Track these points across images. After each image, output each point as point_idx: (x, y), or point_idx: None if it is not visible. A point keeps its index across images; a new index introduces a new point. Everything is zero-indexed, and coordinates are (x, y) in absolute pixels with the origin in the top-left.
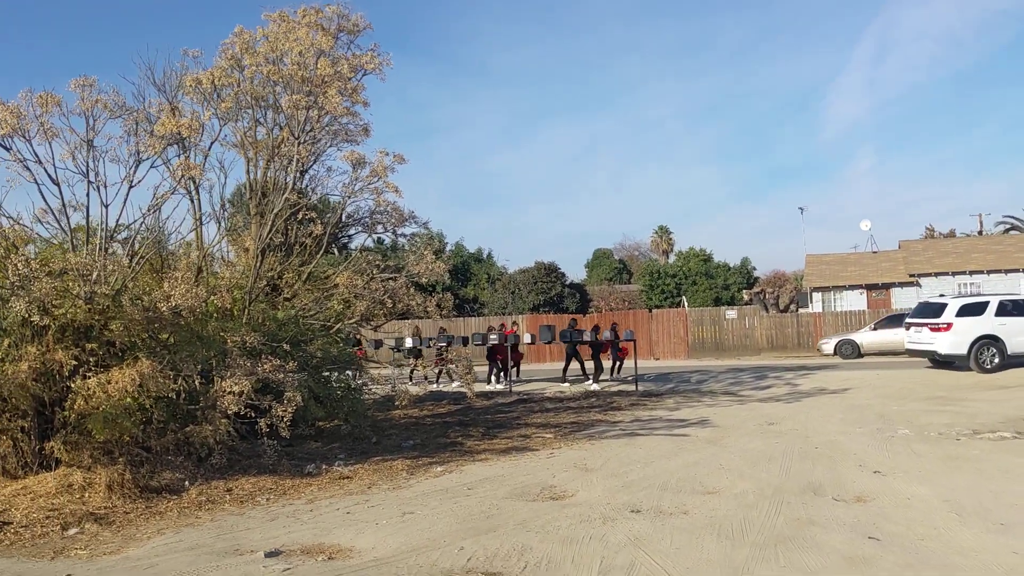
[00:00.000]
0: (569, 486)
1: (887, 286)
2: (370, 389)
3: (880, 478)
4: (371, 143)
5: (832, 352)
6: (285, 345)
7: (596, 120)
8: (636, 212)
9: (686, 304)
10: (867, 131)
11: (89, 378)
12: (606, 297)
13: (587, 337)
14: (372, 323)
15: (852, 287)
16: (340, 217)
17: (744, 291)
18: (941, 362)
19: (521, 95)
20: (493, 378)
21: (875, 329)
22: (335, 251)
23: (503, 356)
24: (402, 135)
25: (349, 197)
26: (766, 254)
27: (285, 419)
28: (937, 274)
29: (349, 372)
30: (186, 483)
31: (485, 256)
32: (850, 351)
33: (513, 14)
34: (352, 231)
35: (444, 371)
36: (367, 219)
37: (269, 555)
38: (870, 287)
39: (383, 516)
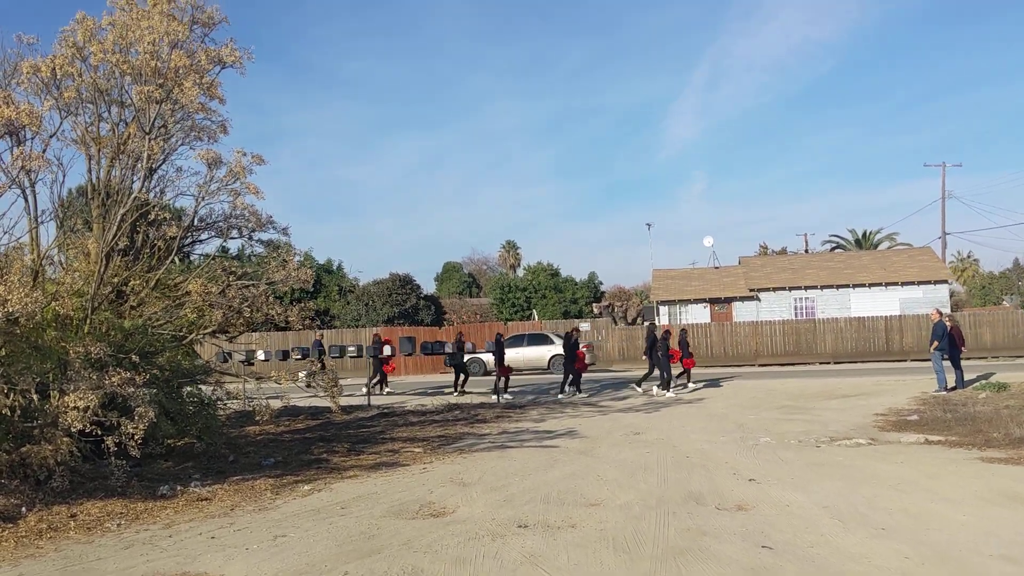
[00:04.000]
0: (448, 502)
1: (729, 300)
2: (224, 404)
3: (756, 486)
4: (226, 142)
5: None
6: (134, 356)
7: (443, 134)
8: (484, 226)
9: (536, 317)
10: (701, 153)
11: None
12: (458, 310)
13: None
14: (229, 334)
15: (697, 301)
16: (193, 220)
17: (593, 304)
18: None
19: (370, 105)
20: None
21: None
22: (176, 260)
23: (580, 364)
24: (244, 141)
25: (203, 198)
26: (610, 268)
27: (136, 437)
28: (775, 289)
29: (202, 387)
30: (23, 509)
31: (336, 267)
32: (477, 369)
33: (363, 27)
34: (204, 236)
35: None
36: (221, 223)
37: None
38: (713, 301)
39: (253, 540)
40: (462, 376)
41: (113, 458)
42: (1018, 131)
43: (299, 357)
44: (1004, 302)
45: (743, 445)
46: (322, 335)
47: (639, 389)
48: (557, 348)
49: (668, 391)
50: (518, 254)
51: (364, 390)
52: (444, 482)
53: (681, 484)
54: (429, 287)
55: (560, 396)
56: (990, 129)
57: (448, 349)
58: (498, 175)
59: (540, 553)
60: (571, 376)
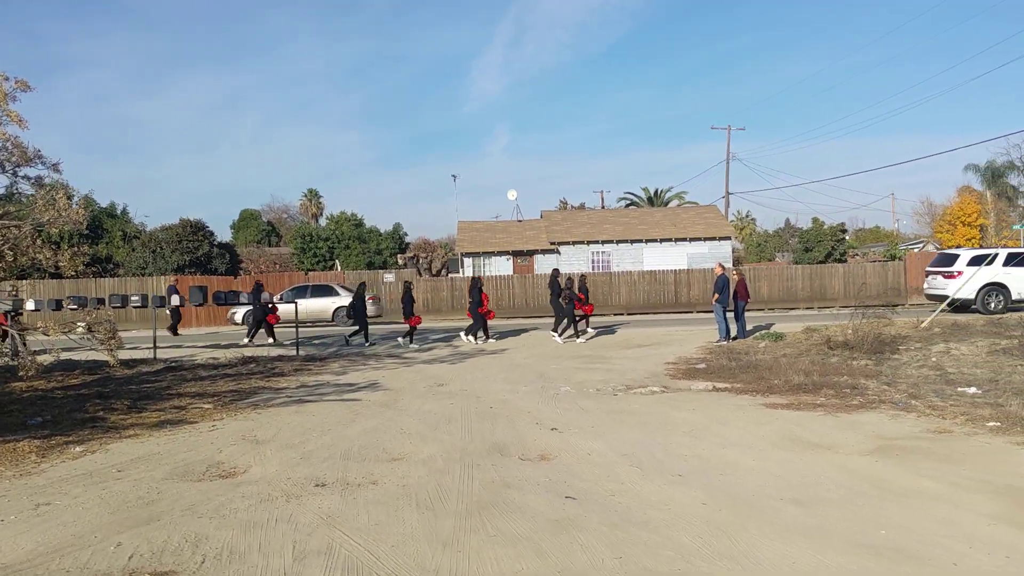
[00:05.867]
0: (240, 461)
1: (531, 253)
2: None
3: (558, 435)
4: None
5: (240, 322)
6: None
7: (240, 73)
8: (285, 173)
9: (339, 267)
10: (505, 108)
11: None
12: (256, 259)
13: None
14: None
15: (500, 253)
16: None
17: (398, 256)
18: (958, 307)
19: (159, 38)
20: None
21: (282, 301)
22: None
23: (484, 310)
24: (16, 71)
25: None
26: (416, 220)
27: None
28: (574, 242)
29: None
30: None
31: (120, 211)
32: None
33: None
34: None
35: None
36: None
37: None
38: (516, 253)
39: (10, 510)
40: (357, 327)
41: None
42: (793, 100)
43: (75, 307)
44: (777, 258)
45: (545, 395)
46: (176, 279)
47: (554, 334)
48: (343, 300)
49: (560, 338)
50: (320, 203)
51: (270, 341)
52: (235, 440)
53: (485, 435)
54: (224, 235)
55: (462, 334)
56: (770, 98)
57: (243, 299)
58: (300, 120)
59: (339, 513)
60: (477, 323)
